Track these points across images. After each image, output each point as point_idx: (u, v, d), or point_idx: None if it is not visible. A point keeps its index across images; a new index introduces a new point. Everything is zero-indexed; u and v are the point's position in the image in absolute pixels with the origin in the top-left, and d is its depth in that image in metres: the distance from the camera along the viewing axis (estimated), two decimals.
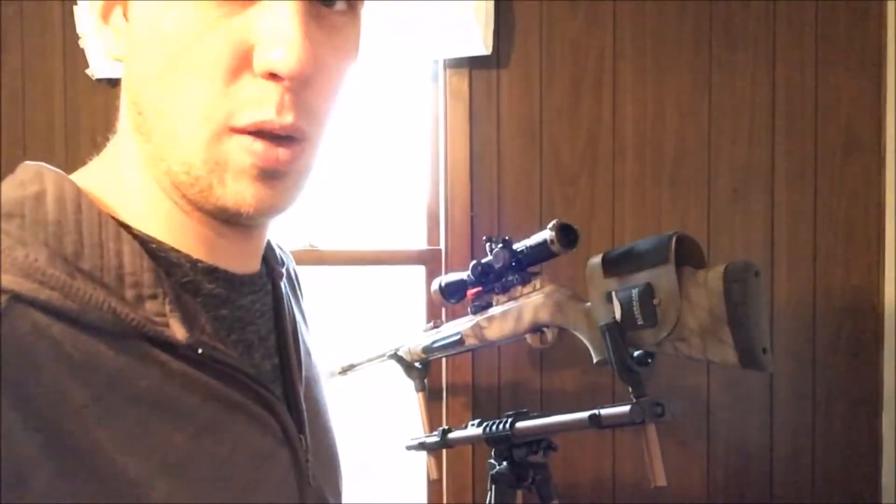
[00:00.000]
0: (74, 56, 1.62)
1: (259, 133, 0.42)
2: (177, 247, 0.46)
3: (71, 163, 1.55)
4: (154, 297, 0.43)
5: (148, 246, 0.45)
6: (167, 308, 0.43)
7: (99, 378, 0.40)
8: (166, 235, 0.46)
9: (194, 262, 0.47)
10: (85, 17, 0.49)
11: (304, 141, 0.44)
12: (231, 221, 0.47)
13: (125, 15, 0.44)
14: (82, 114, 1.65)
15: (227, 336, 0.48)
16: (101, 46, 0.45)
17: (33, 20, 1.65)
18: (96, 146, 1.70)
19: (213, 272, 0.48)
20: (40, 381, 0.37)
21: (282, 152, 0.43)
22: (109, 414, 0.40)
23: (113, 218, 0.44)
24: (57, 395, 0.38)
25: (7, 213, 0.41)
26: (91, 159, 0.52)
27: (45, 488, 0.37)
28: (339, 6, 0.45)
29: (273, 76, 0.41)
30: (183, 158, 0.43)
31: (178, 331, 0.43)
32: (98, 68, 1.58)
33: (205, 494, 0.44)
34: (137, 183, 0.46)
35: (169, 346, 0.43)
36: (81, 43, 1.57)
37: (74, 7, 1.57)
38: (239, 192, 0.44)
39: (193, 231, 0.47)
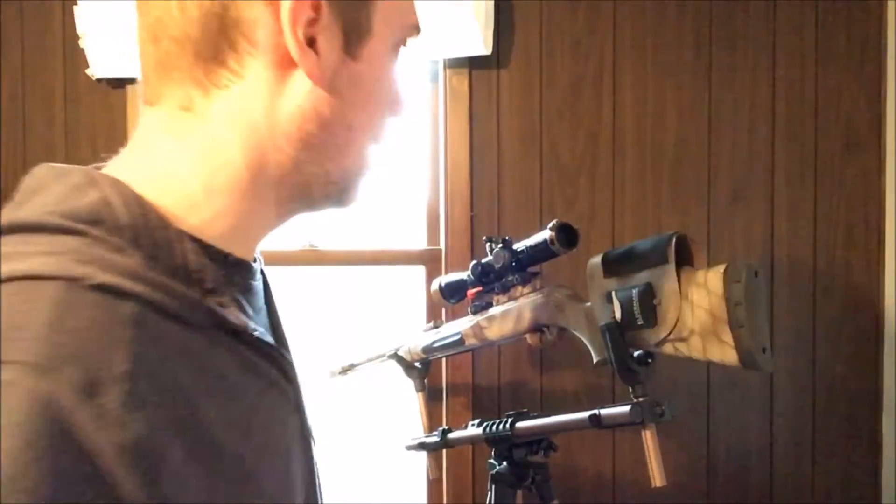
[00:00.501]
0: (74, 56, 1.62)
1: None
2: (213, 243, 0.50)
3: (71, 163, 1.54)
4: (214, 290, 0.48)
5: (196, 243, 0.49)
6: (225, 299, 0.49)
7: (200, 367, 0.45)
8: (205, 231, 0.50)
9: (225, 256, 0.51)
10: (261, 31, 0.44)
11: None
12: (322, 209, 0.58)
13: (353, 52, 0.53)
14: (82, 114, 1.65)
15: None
16: (306, 61, 0.50)
17: (33, 20, 1.65)
18: (96, 146, 1.70)
19: (238, 264, 0.53)
20: (166, 374, 0.42)
21: None
22: (213, 398, 0.45)
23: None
24: (178, 387, 0.43)
25: (90, 219, 0.44)
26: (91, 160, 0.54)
27: (179, 466, 0.41)
28: None
29: (395, 116, 0.58)
30: (344, 166, 0.55)
31: (237, 318, 0.49)
32: (98, 68, 1.58)
33: (269, 468, 0.49)
34: (215, 177, 0.51)
35: (232, 332, 0.49)
36: (81, 43, 1.57)
37: (74, 7, 1.57)
38: (361, 191, 0.58)
39: (253, 221, 0.54)
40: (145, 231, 0.46)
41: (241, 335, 0.49)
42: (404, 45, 0.58)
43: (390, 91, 0.57)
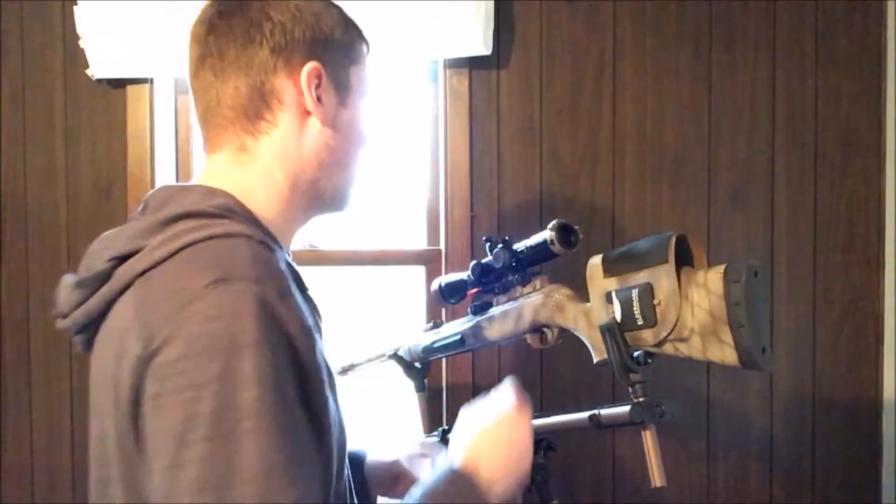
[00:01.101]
0: (74, 56, 1.62)
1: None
2: (276, 236, 0.78)
3: (71, 163, 1.57)
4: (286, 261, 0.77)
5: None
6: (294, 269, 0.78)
7: (303, 300, 0.72)
8: (271, 228, 0.77)
9: (278, 242, 0.78)
10: (286, 91, 0.78)
11: None
12: (329, 212, 0.86)
13: (343, 102, 0.81)
14: (82, 114, 1.65)
15: None
16: (318, 111, 0.79)
17: (33, 20, 1.65)
18: (96, 146, 1.70)
19: (282, 249, 0.78)
20: (295, 291, 0.69)
21: None
22: (313, 324, 0.70)
23: None
24: (301, 304, 0.69)
25: (227, 210, 0.72)
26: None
27: (320, 349, 0.68)
28: None
29: (367, 144, 0.86)
30: (344, 180, 0.83)
31: (304, 280, 0.79)
32: (98, 68, 1.58)
33: (336, 380, 0.75)
34: (270, 192, 0.78)
35: (301, 289, 0.76)
36: (81, 43, 1.57)
37: (74, 7, 1.57)
38: (356, 197, 0.86)
39: (292, 221, 0.82)
40: (252, 222, 0.73)
41: (305, 293, 0.77)
42: (368, 95, 0.85)
43: (365, 127, 0.84)
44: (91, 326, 0.71)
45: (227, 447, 0.57)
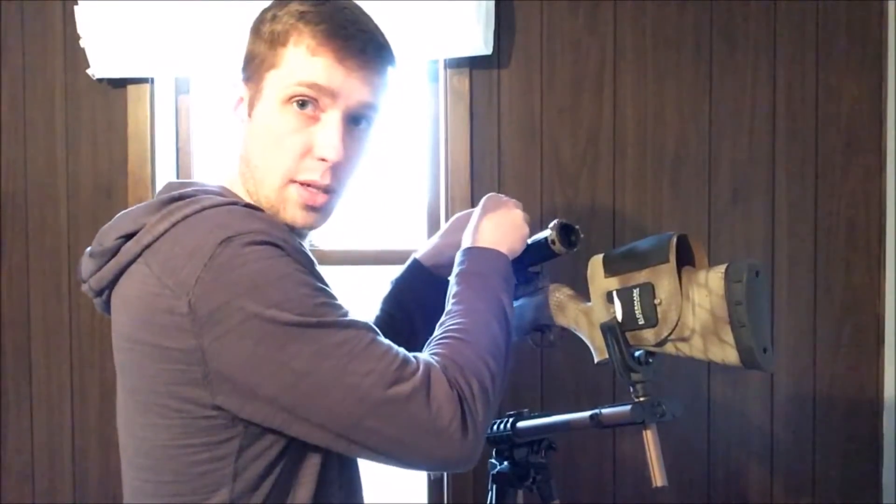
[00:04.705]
0: (74, 56, 1.62)
1: (308, 185, 0.83)
2: None
3: (71, 163, 1.56)
4: None
5: None
6: None
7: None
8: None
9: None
10: (224, 110, 0.88)
11: (332, 192, 0.85)
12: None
13: (249, 115, 0.85)
14: (82, 114, 1.65)
15: None
16: (235, 125, 0.88)
17: (33, 20, 1.65)
18: (96, 146, 1.70)
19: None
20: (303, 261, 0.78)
21: (320, 197, 0.84)
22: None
23: None
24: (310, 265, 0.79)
25: (219, 193, 0.83)
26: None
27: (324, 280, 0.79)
28: (361, 125, 0.86)
29: (322, 160, 0.82)
30: (266, 193, 0.84)
31: None
32: (98, 68, 1.58)
33: None
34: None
35: None
36: (81, 43, 1.57)
37: (75, 7, 1.56)
38: (293, 216, 0.84)
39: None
40: (254, 213, 0.80)
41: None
42: (300, 98, 0.81)
43: (286, 136, 0.82)
44: (103, 292, 0.83)
45: (307, 337, 0.71)
